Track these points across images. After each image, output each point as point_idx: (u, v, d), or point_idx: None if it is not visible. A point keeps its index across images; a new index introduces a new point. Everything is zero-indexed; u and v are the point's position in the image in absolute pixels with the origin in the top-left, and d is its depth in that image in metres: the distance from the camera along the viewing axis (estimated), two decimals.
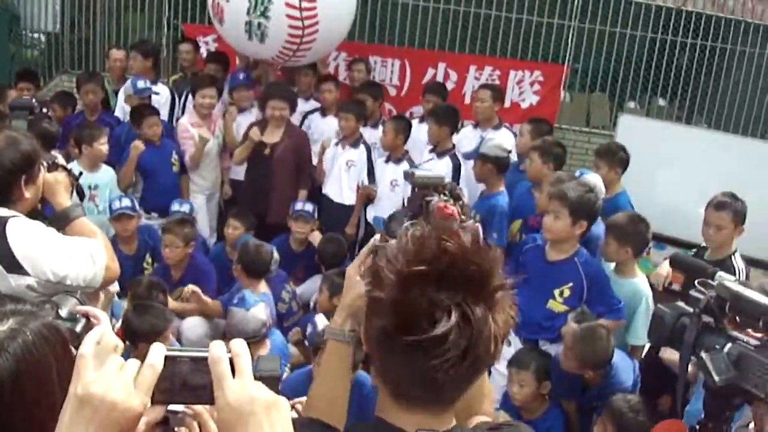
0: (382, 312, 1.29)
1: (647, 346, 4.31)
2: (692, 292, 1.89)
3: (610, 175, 5.37)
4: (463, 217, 1.99)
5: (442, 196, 2.01)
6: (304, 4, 6.17)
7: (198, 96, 6.44)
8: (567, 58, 8.89)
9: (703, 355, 1.74)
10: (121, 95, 6.94)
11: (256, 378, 3.31)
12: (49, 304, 1.29)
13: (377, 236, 1.96)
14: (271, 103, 6.20)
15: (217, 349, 1.07)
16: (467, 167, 5.88)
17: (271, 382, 3.42)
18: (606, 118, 9.64)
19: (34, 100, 3.34)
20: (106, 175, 5.77)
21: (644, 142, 7.02)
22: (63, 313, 1.31)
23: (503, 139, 6.07)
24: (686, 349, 1.83)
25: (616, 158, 5.47)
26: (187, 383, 1.08)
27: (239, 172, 6.64)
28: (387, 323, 1.28)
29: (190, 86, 6.85)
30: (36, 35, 10.62)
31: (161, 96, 6.93)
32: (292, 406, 3.13)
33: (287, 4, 6.17)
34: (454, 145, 6.19)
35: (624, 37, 9.02)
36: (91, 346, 1.06)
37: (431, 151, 6.19)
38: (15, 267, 2.44)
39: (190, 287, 5.02)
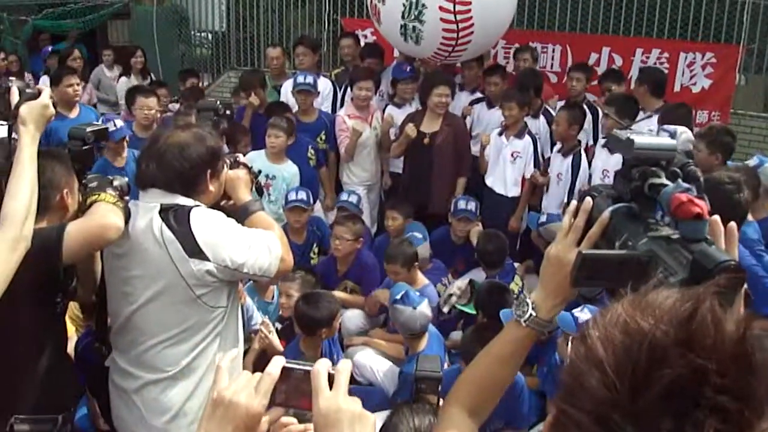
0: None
1: None
2: None
3: None
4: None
5: (678, 180, 1.35)
6: (458, 8, 6.07)
7: (355, 88, 6.55)
8: (742, 37, 8.29)
9: None
10: (284, 90, 7.13)
11: (417, 377, 3.21)
12: None
13: (588, 200, 1.47)
14: (437, 90, 6.18)
15: (319, 365, 1.26)
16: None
17: (432, 383, 3.36)
18: None
19: (218, 103, 3.50)
20: (286, 169, 5.97)
21: None
22: None
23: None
24: None
25: None
26: (299, 390, 1.28)
27: (397, 165, 6.68)
28: None
29: (349, 79, 6.95)
30: (204, 35, 11.18)
31: (324, 89, 7.07)
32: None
33: (441, 8, 6.10)
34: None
35: None
36: (227, 361, 1.33)
37: (604, 145, 5.84)
38: (196, 252, 2.57)
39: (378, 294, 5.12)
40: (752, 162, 4.71)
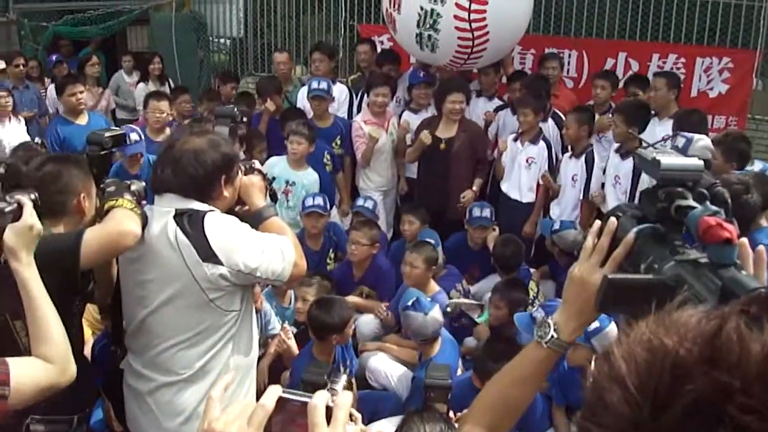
0: None
1: None
2: None
3: None
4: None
5: (706, 203, 1.31)
6: (473, 16, 6.07)
7: (372, 94, 6.58)
8: (759, 42, 8.24)
9: None
10: (300, 96, 7.15)
11: (426, 385, 3.22)
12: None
13: (612, 220, 1.43)
14: (451, 97, 6.20)
15: (317, 398, 1.18)
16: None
17: (441, 391, 3.33)
18: None
19: (236, 110, 3.53)
20: (307, 176, 5.99)
21: None
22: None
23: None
24: None
25: None
26: (295, 422, 1.21)
27: (413, 170, 6.69)
28: None
29: (365, 85, 6.97)
30: (222, 41, 11.26)
31: (340, 95, 7.10)
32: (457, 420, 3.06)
33: (456, 17, 6.10)
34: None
35: None
36: (219, 391, 1.28)
37: (617, 150, 5.78)
38: (210, 257, 2.60)
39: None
40: (756, 168, 4.65)
